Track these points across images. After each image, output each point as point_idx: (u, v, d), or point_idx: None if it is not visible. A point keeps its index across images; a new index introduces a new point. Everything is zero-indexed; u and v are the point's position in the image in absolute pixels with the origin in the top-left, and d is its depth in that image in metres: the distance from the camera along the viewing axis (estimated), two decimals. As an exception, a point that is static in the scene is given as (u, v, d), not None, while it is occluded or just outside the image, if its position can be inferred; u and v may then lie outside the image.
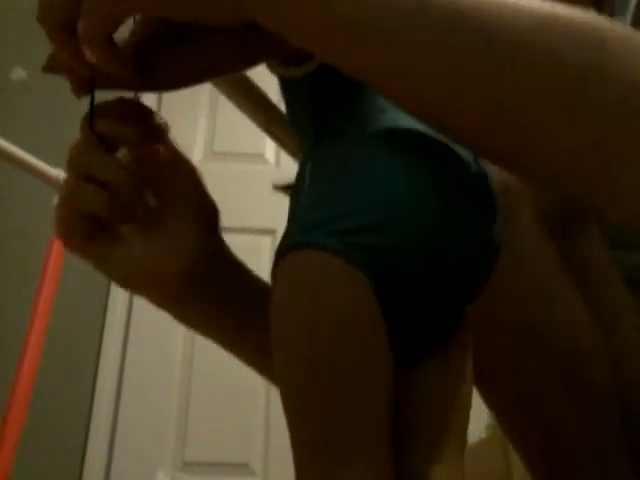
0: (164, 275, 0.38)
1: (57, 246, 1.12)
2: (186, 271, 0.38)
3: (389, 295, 0.32)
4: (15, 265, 1.70)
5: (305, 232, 0.32)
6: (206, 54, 0.34)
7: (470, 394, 0.38)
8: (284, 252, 0.32)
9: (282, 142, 0.54)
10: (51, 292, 1.10)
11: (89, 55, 0.30)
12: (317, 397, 0.31)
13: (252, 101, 0.48)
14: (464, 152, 0.35)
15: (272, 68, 0.38)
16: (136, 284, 0.39)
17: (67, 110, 2.02)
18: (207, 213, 0.40)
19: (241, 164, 1.93)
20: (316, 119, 0.36)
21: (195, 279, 0.38)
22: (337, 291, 0.31)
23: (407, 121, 0.34)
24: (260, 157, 1.95)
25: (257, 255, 1.81)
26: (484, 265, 0.36)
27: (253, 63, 0.35)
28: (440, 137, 0.34)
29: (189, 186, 0.39)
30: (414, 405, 0.35)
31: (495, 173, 0.39)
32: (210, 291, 0.40)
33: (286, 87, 0.39)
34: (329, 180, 0.34)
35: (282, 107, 0.52)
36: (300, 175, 0.36)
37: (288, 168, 1.90)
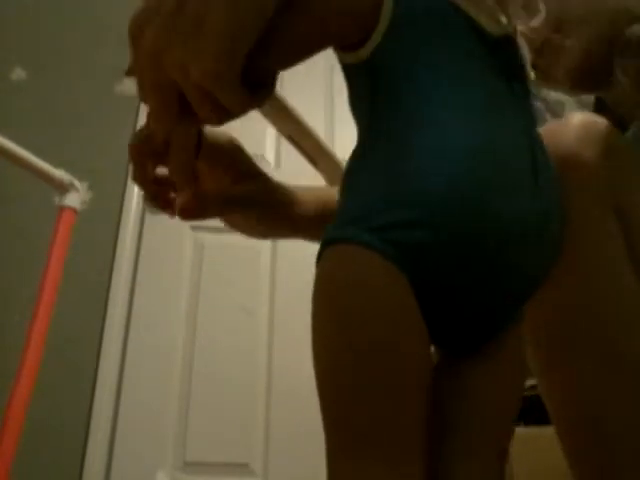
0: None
1: (57, 246, 1.11)
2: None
3: (427, 290, 0.31)
4: (15, 265, 1.70)
5: (341, 227, 0.33)
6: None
7: (518, 396, 0.37)
8: (322, 247, 0.33)
9: (303, 150, 0.55)
10: (52, 292, 1.10)
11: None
12: (350, 390, 0.30)
13: (275, 108, 0.48)
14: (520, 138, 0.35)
15: (337, 55, 0.38)
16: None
17: (67, 110, 2.02)
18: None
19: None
20: (374, 103, 0.36)
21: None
22: (369, 281, 0.31)
23: (462, 96, 0.34)
24: (260, 158, 1.96)
25: (257, 255, 1.81)
26: (537, 267, 0.35)
27: (315, 51, 0.36)
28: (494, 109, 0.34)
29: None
30: (455, 405, 0.35)
31: (560, 149, 0.38)
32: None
33: (348, 73, 0.39)
34: (371, 175, 0.34)
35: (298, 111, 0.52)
36: (346, 172, 0.37)
37: (288, 169, 1.91)
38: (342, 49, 0.37)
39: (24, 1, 2.10)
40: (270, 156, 1.96)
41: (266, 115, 0.49)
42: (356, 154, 0.37)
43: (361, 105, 0.37)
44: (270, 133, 1.96)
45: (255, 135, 0.49)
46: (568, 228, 0.43)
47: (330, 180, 0.63)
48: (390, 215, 0.31)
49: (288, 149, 0.52)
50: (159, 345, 1.69)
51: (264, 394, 1.65)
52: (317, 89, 1.97)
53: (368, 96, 0.36)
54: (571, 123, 0.50)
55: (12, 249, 1.74)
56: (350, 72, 0.38)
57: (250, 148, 0.48)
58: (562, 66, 0.49)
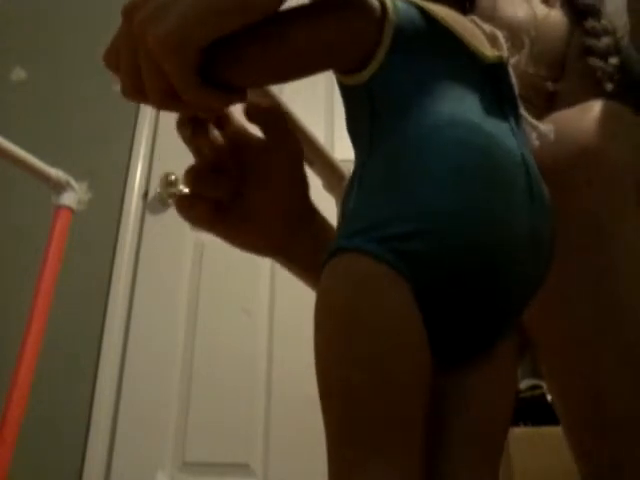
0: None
1: (54, 246, 1.11)
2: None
3: (429, 299, 0.32)
4: (13, 265, 1.70)
5: (348, 237, 0.34)
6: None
7: (512, 402, 0.38)
8: (327, 257, 0.34)
9: (307, 159, 0.55)
10: (48, 291, 1.09)
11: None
12: (352, 388, 0.31)
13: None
14: (511, 144, 0.36)
15: (335, 76, 0.39)
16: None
17: (66, 110, 2.02)
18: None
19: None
20: (373, 125, 0.37)
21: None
22: (375, 288, 0.32)
23: (463, 114, 0.35)
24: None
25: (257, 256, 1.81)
26: (532, 279, 0.36)
27: (314, 72, 0.37)
28: (491, 129, 0.35)
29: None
30: (452, 408, 0.35)
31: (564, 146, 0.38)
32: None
33: (346, 94, 0.39)
34: (376, 186, 0.35)
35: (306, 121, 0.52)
36: (351, 182, 0.38)
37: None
38: (340, 71, 0.38)
39: (24, 1, 2.10)
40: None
41: None
42: (357, 173, 0.38)
43: (360, 126, 0.38)
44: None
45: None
46: (590, 228, 0.42)
47: (327, 181, 0.63)
48: (395, 227, 0.32)
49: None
50: (159, 345, 1.69)
51: (264, 394, 1.65)
52: (317, 90, 1.97)
53: (367, 118, 0.37)
54: (594, 111, 0.44)
55: (10, 248, 1.74)
56: (348, 94, 0.39)
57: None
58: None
